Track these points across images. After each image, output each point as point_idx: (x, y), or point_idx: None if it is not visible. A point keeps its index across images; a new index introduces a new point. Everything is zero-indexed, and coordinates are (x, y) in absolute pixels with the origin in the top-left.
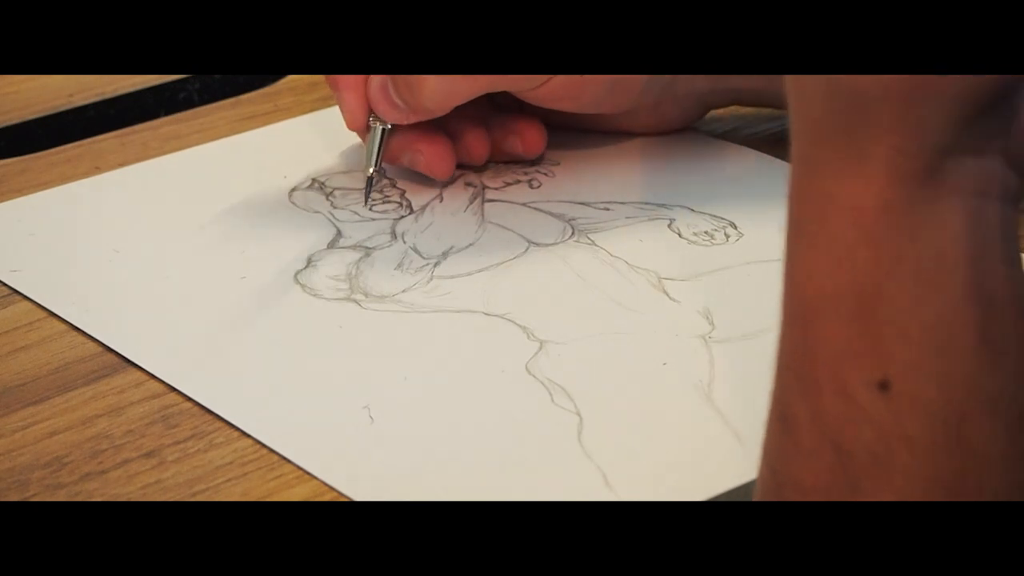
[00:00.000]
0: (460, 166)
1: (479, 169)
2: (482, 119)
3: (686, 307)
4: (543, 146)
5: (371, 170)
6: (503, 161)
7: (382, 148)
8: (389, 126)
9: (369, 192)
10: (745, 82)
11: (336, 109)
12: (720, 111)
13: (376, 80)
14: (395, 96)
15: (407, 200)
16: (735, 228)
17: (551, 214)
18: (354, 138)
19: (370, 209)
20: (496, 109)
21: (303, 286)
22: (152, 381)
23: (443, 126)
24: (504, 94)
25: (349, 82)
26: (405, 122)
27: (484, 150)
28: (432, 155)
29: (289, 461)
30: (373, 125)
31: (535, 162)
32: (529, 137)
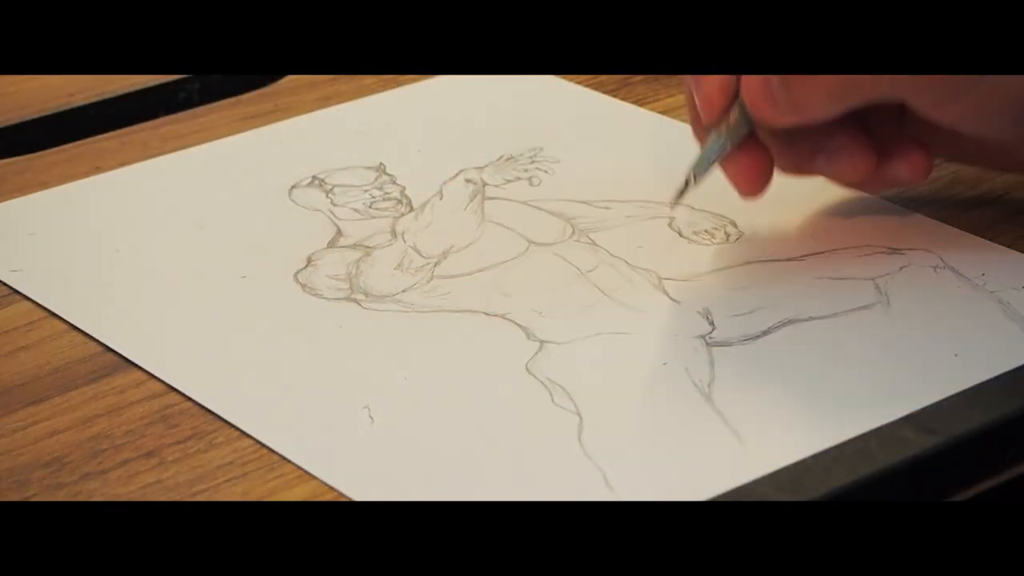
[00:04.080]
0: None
1: (479, 166)
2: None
3: (686, 307)
4: (930, 171)
5: (693, 173)
6: (879, 190)
7: (714, 163)
8: (730, 146)
9: (684, 193)
10: None
11: (336, 109)
12: None
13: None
14: (778, 88)
15: (407, 197)
16: (735, 227)
17: (551, 213)
18: (353, 136)
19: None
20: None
21: (303, 286)
22: (152, 381)
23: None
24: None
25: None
26: (780, 124)
27: (869, 164)
28: (853, 153)
29: (289, 461)
30: (717, 134)
31: (535, 159)
32: (917, 159)
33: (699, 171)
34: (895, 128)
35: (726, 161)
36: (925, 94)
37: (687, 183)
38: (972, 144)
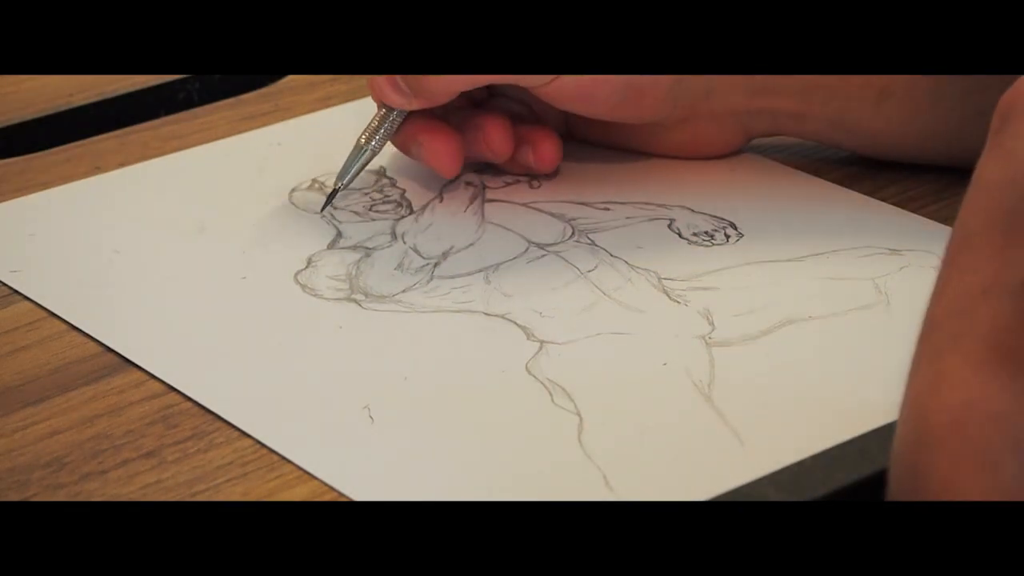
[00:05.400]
0: (472, 165)
1: (479, 168)
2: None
3: (686, 307)
4: (557, 160)
5: (339, 184)
6: (517, 173)
7: (360, 168)
8: (375, 145)
9: (329, 202)
10: (783, 102)
11: (336, 109)
12: None
13: None
14: (400, 79)
15: (407, 200)
16: (735, 228)
17: (551, 214)
18: (353, 138)
19: (321, 211)
20: (513, 119)
21: (303, 286)
22: (152, 381)
23: (461, 121)
24: (522, 102)
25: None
26: (409, 107)
27: (507, 145)
28: (437, 148)
29: (289, 461)
30: (362, 144)
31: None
32: (543, 149)
33: (340, 180)
34: (532, 114)
35: (423, 148)
36: (522, 77)
37: (333, 193)
38: (611, 128)
